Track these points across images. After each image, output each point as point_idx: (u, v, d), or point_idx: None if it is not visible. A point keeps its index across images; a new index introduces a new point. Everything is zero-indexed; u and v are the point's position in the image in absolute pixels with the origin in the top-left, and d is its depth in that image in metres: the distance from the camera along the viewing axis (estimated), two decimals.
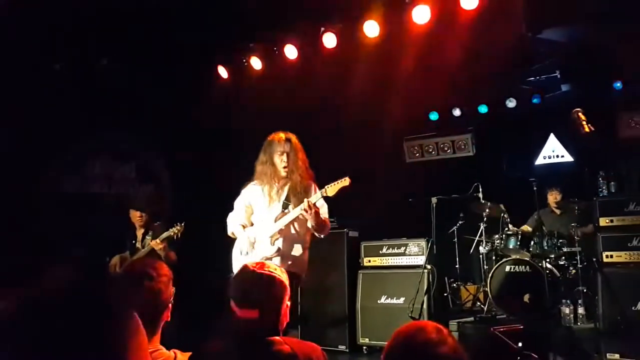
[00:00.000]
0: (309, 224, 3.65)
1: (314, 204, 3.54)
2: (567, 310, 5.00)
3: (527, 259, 5.49)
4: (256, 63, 5.98)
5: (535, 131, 7.16)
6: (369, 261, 6.04)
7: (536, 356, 3.72)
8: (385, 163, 7.35)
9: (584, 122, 3.67)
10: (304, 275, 3.83)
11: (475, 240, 6.10)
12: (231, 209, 3.85)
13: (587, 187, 5.25)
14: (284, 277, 2.03)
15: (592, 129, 3.80)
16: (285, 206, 3.70)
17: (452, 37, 5.30)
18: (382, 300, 5.73)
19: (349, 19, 5.34)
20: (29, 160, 5.45)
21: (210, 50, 5.93)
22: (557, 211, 6.25)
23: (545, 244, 5.57)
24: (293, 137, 3.77)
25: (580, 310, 4.95)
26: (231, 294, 1.98)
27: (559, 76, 6.49)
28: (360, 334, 5.73)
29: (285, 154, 3.70)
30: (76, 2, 4.76)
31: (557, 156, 7.16)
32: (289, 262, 3.69)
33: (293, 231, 3.74)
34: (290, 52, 5.73)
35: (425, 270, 5.52)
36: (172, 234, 4.96)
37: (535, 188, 5.31)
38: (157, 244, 4.93)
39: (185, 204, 6.01)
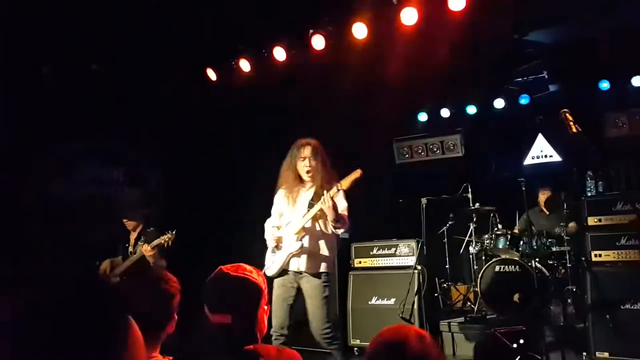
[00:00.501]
0: (329, 219, 3.76)
1: (331, 198, 3.68)
2: (556, 310, 5.04)
3: (517, 258, 5.52)
4: (245, 65, 5.96)
5: (524, 131, 7.20)
6: (360, 262, 6.04)
7: (539, 357, 3.73)
8: (375, 164, 7.36)
9: (571, 123, 3.69)
10: (331, 272, 3.96)
11: (465, 241, 6.13)
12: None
13: (575, 187, 5.29)
14: (260, 280, 1.94)
15: (579, 129, 3.82)
16: (310, 206, 3.86)
17: (440, 38, 5.32)
18: (373, 301, 5.73)
19: (337, 21, 5.34)
20: (16, 164, 5.39)
21: (199, 53, 5.90)
22: (546, 211, 6.29)
23: (534, 243, 5.60)
24: (314, 142, 3.98)
25: (570, 309, 4.98)
26: (204, 299, 1.89)
27: (546, 77, 6.54)
28: (351, 335, 5.73)
29: (307, 159, 3.91)
30: (65, 6, 4.72)
31: (546, 156, 7.21)
32: (315, 259, 3.83)
33: (318, 228, 3.88)
34: (279, 54, 5.72)
35: (416, 271, 5.53)
36: (162, 241, 4.89)
37: (523, 188, 5.34)
38: (147, 251, 4.88)
39: (177, 209, 5.97)
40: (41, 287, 0.97)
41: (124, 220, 5.35)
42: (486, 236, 5.89)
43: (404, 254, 5.79)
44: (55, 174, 5.98)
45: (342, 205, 3.88)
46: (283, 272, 3.89)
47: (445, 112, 7.38)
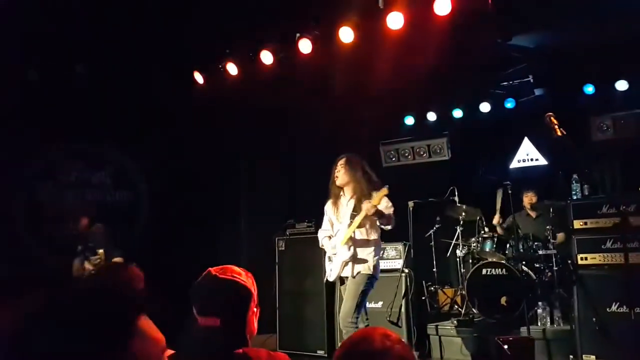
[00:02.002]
0: (377, 222, 4.21)
1: (372, 211, 4.03)
2: (543, 312, 5.05)
3: (503, 262, 5.54)
4: (232, 69, 5.94)
5: (510, 135, 7.25)
6: None
7: None
8: None
9: (556, 126, 3.71)
10: (377, 274, 4.23)
11: (452, 244, 6.14)
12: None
13: (561, 190, 5.32)
14: (250, 282, 1.91)
15: (564, 132, 3.85)
16: (352, 217, 4.21)
17: (426, 42, 5.34)
18: None
19: (324, 25, 5.34)
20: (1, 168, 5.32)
21: (186, 56, 5.87)
22: (533, 214, 6.32)
23: (520, 246, 5.63)
24: (345, 157, 4.37)
25: (557, 312, 5.00)
26: (192, 301, 1.86)
27: (531, 81, 6.58)
28: (338, 338, 5.70)
29: (335, 171, 4.34)
30: (52, 8, 4.66)
31: (532, 160, 7.26)
32: (361, 265, 4.15)
33: (359, 236, 4.22)
34: (266, 57, 5.70)
35: (403, 274, 5.53)
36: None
37: (510, 191, 5.36)
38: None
39: (164, 213, 5.94)
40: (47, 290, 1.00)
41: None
42: (473, 239, 5.91)
43: (391, 257, 5.79)
44: (39, 177, 5.92)
45: (384, 205, 4.19)
46: (341, 279, 4.31)
47: (431, 116, 7.41)
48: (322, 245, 4.51)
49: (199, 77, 6.17)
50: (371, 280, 4.19)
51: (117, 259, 5.02)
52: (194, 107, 6.37)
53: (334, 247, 4.33)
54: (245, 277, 1.90)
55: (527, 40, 5.65)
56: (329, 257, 4.41)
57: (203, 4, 5.03)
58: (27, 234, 5.45)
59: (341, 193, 4.40)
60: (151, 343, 1.02)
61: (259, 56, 5.72)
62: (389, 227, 4.30)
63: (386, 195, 4.17)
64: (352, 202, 4.30)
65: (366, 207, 4.03)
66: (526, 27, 5.26)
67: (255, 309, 1.92)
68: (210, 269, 1.91)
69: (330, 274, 4.37)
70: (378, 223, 4.24)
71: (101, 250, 4.96)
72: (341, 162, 4.35)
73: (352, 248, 4.20)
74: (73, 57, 5.64)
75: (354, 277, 4.15)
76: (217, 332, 1.78)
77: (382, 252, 4.51)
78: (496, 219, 6.15)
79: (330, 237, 4.44)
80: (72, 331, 0.93)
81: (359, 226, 4.20)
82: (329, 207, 4.50)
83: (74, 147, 6.08)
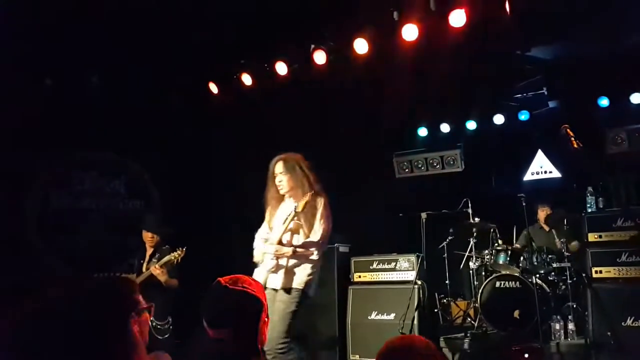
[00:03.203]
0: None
1: (297, 214, 3.68)
2: (557, 326, 5.00)
3: (517, 274, 5.50)
4: (247, 79, 6.00)
5: (523, 147, 7.22)
6: (359, 277, 6.02)
7: None
8: (375, 178, 7.37)
9: (572, 138, 3.71)
10: (309, 291, 3.79)
11: (465, 256, 6.11)
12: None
13: (575, 203, 5.30)
14: (260, 292, 1.89)
15: (581, 144, 3.84)
16: (287, 219, 3.78)
17: (440, 54, 5.36)
18: (373, 316, 5.70)
19: (338, 37, 5.39)
20: (20, 176, 5.39)
21: (201, 67, 5.94)
22: (546, 227, 6.28)
23: (534, 259, 5.58)
24: (285, 157, 3.90)
25: (571, 325, 4.94)
26: (203, 313, 1.83)
27: (545, 93, 6.57)
28: (350, 350, 5.69)
29: (279, 175, 3.87)
30: (68, 18, 4.75)
31: (545, 172, 7.22)
32: (291, 277, 3.73)
33: (295, 243, 3.80)
34: (281, 68, 5.76)
35: (416, 286, 5.51)
36: (172, 258, 4.81)
37: (524, 204, 5.34)
38: (154, 269, 4.77)
39: (184, 225, 5.98)
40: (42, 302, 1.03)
41: (143, 233, 5.22)
42: (486, 252, 5.87)
43: (404, 269, 5.78)
44: (59, 186, 5.99)
45: (312, 235, 3.78)
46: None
47: (445, 128, 7.40)
48: (254, 248, 4.04)
49: (213, 88, 6.24)
50: (302, 298, 3.71)
51: (172, 282, 4.94)
52: (209, 116, 6.44)
53: (264, 253, 3.87)
54: (255, 287, 1.88)
55: (544, 52, 5.65)
56: (258, 265, 3.94)
57: (219, 15, 5.10)
58: (41, 243, 5.51)
59: (280, 197, 3.97)
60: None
61: (273, 67, 5.78)
62: (314, 254, 3.79)
63: (317, 207, 3.75)
64: (288, 208, 3.84)
65: (290, 216, 3.65)
66: (543, 39, 5.26)
67: (266, 319, 1.90)
68: (219, 279, 1.89)
69: None
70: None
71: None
72: (283, 164, 3.89)
73: (282, 258, 3.77)
74: (89, 67, 5.73)
75: (284, 292, 3.70)
76: (229, 343, 1.76)
77: (318, 266, 3.89)
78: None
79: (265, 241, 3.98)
80: (70, 332, 0.97)
81: (294, 232, 3.79)
82: (268, 213, 4.04)
83: (88, 155, 6.16)
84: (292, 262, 3.76)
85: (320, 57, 5.52)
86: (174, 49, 5.47)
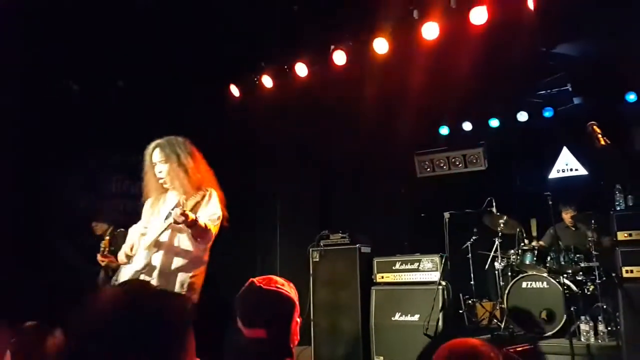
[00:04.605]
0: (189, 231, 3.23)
1: (184, 212, 3.05)
2: (586, 327, 4.88)
3: (544, 274, 5.40)
4: (267, 81, 6.03)
5: (548, 145, 7.09)
6: (382, 277, 5.98)
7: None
8: (396, 178, 7.33)
9: (599, 135, 3.62)
10: (194, 296, 3.25)
11: (491, 256, 6.01)
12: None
13: (603, 201, 5.17)
14: (293, 293, 1.94)
15: (608, 141, 3.75)
16: (168, 216, 3.20)
17: (461, 51, 5.31)
18: (396, 317, 5.65)
19: (358, 37, 5.37)
20: (43, 179, 5.48)
21: (223, 70, 5.97)
22: (573, 227, 6.16)
23: (562, 259, 5.48)
24: (163, 142, 3.37)
25: (601, 327, 4.82)
26: (237, 313, 1.88)
27: (570, 89, 6.45)
28: (374, 352, 5.65)
29: (157, 165, 3.34)
30: (93, 23, 4.82)
31: (571, 169, 7.08)
32: (168, 278, 3.24)
33: (176, 244, 3.29)
34: (301, 70, 5.77)
35: (440, 287, 5.45)
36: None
37: (550, 202, 5.24)
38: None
39: None
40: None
41: (93, 224, 5.33)
42: (512, 251, 5.77)
43: (428, 269, 5.71)
44: (81, 189, 6.08)
45: (211, 212, 3.30)
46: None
47: (467, 126, 7.32)
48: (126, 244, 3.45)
49: (234, 90, 6.27)
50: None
51: None
52: (229, 118, 6.47)
53: (133, 249, 3.32)
54: (288, 288, 1.92)
55: (569, 48, 5.54)
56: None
57: (238, 17, 5.12)
58: (68, 244, 5.60)
59: (162, 187, 3.44)
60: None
61: (293, 68, 5.79)
62: (203, 243, 3.28)
63: (209, 198, 3.26)
64: (171, 199, 3.37)
65: (176, 211, 3.04)
66: (568, 36, 5.16)
67: (298, 319, 1.94)
68: (252, 279, 1.93)
69: (115, 284, 3.35)
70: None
71: None
72: (160, 151, 3.34)
73: (153, 256, 3.26)
74: (113, 72, 5.81)
75: None
76: (263, 343, 1.80)
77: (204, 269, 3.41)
78: (536, 243, 6.01)
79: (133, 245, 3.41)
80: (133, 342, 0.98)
81: (177, 231, 3.28)
82: (147, 206, 3.52)
83: (113, 158, 6.25)
84: (172, 261, 3.26)
85: (340, 58, 5.51)
86: (195, 52, 5.51)
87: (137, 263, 3.26)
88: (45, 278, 4.76)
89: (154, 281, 3.18)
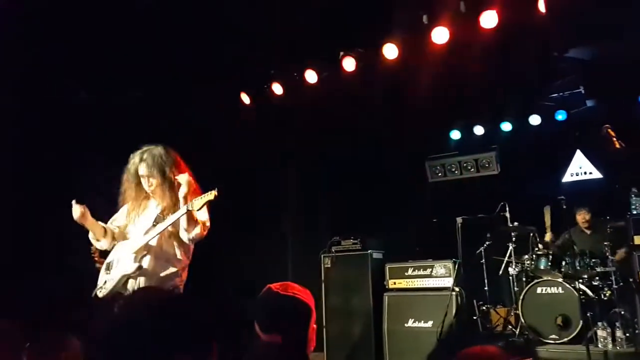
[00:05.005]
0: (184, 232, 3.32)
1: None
2: (603, 333, 4.81)
3: (559, 280, 5.33)
4: (277, 88, 6.04)
5: (561, 148, 7.00)
6: (394, 283, 5.95)
7: None
8: (408, 183, 7.29)
9: (614, 138, 3.57)
10: None
11: (504, 261, 5.94)
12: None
13: (618, 205, 5.10)
14: (310, 299, 1.96)
15: (623, 144, 3.70)
16: (157, 221, 3.36)
17: (472, 55, 5.28)
18: (410, 323, 5.61)
19: (367, 43, 5.37)
20: (56, 186, 5.50)
21: (233, 78, 5.99)
22: (588, 230, 6.07)
23: (577, 264, 5.39)
24: (149, 157, 3.40)
25: (619, 333, 4.75)
26: (255, 318, 1.90)
27: (583, 92, 6.38)
28: (387, 358, 5.61)
29: (146, 179, 3.41)
30: (105, 32, 4.85)
31: (585, 173, 6.99)
32: (157, 283, 3.30)
33: (165, 248, 3.37)
34: (310, 76, 5.78)
35: (454, 293, 5.40)
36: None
37: (564, 206, 5.18)
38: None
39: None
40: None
41: None
42: (526, 257, 5.70)
43: (440, 275, 5.68)
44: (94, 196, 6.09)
45: (203, 218, 3.39)
46: (118, 295, 3.29)
47: (479, 130, 7.25)
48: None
49: (245, 98, 6.29)
50: None
51: None
52: (240, 126, 6.48)
53: (113, 245, 3.44)
54: (304, 294, 1.95)
55: (581, 51, 5.48)
56: (107, 266, 3.44)
57: (248, 24, 5.13)
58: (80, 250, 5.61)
59: (145, 194, 3.51)
60: None
61: (303, 75, 5.80)
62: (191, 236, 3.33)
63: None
64: (161, 205, 3.43)
65: (181, 210, 3.20)
66: (581, 39, 5.10)
67: (314, 326, 1.97)
68: (270, 285, 1.96)
69: (103, 288, 3.36)
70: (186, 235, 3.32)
71: None
72: (146, 166, 3.38)
73: (143, 260, 3.30)
74: (123, 79, 5.83)
75: None
76: (280, 348, 1.82)
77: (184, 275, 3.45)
78: (548, 237, 5.95)
79: (104, 229, 3.50)
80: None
81: (166, 236, 3.36)
82: (124, 212, 3.59)
83: (119, 161, 6.25)
84: (160, 265, 3.33)
85: (349, 64, 5.51)
86: (206, 60, 5.54)
87: (126, 267, 3.31)
88: (52, 280, 4.77)
89: (134, 285, 3.27)
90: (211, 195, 3.19)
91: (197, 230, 3.30)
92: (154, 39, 5.04)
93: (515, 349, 5.00)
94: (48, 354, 2.11)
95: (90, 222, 3.48)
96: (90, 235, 3.55)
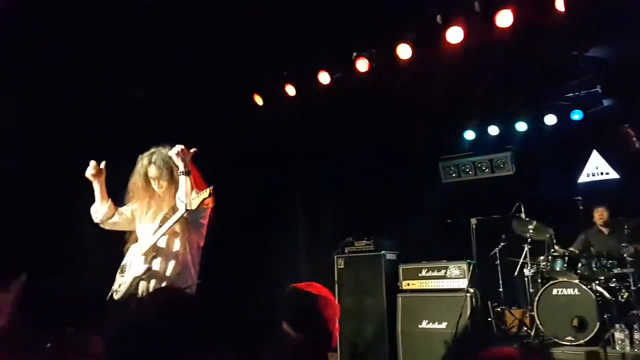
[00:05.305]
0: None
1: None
2: (621, 335, 4.75)
3: (576, 281, 5.27)
4: (290, 90, 6.06)
5: (577, 148, 6.92)
6: (408, 284, 5.93)
7: None
8: (421, 184, 7.26)
9: (634, 138, 3.52)
10: None
11: (520, 263, 5.89)
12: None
13: (636, 205, 5.03)
14: (335, 299, 2.03)
15: None
16: (164, 220, 3.35)
17: (486, 55, 5.25)
18: (424, 324, 5.59)
19: (381, 44, 5.35)
20: (68, 190, 5.54)
21: (246, 79, 6.01)
22: (605, 230, 5.99)
23: (594, 265, 5.33)
24: (159, 159, 3.41)
25: (637, 335, 4.68)
26: (285, 315, 1.95)
27: (599, 91, 6.29)
28: (401, 358, 5.59)
29: (156, 181, 3.41)
30: (115, 34, 4.88)
31: (602, 173, 6.90)
32: (165, 284, 3.30)
33: (174, 249, 3.35)
34: (323, 78, 5.79)
35: (468, 294, 5.37)
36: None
37: (581, 207, 5.12)
38: None
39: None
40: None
41: None
42: (542, 258, 5.64)
43: (455, 276, 5.65)
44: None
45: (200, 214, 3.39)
46: (132, 297, 3.28)
47: (493, 130, 7.19)
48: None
49: (258, 99, 6.32)
50: None
51: None
52: (252, 127, 6.51)
53: (109, 217, 3.44)
54: (329, 294, 2.00)
55: (599, 51, 5.41)
56: (121, 269, 3.45)
57: (261, 26, 5.15)
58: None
59: (153, 193, 3.49)
60: None
61: (316, 77, 5.81)
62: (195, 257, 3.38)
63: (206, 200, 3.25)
64: (168, 204, 3.42)
65: (177, 214, 3.21)
66: (598, 39, 5.03)
67: (337, 325, 2.01)
68: (295, 285, 2.00)
69: (118, 290, 3.36)
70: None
71: None
72: (156, 169, 3.39)
73: (152, 261, 3.30)
74: (134, 82, 5.86)
75: None
76: (306, 345, 1.87)
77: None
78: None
79: (114, 211, 3.49)
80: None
81: (174, 235, 3.34)
82: (131, 208, 3.57)
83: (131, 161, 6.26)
84: (169, 266, 3.31)
85: (362, 65, 5.51)
86: (219, 61, 5.56)
87: (136, 269, 3.30)
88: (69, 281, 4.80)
89: (152, 287, 3.27)
90: (206, 192, 3.15)
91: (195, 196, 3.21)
92: (157, 38, 5.03)
93: (530, 350, 4.94)
94: (72, 347, 2.13)
95: (102, 182, 3.49)
96: (93, 209, 3.52)
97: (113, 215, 3.54)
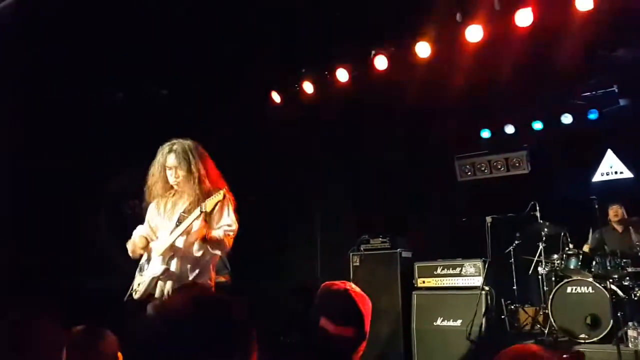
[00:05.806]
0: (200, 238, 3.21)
1: (202, 216, 3.15)
2: (634, 333, 4.77)
3: (589, 279, 5.29)
4: (308, 87, 6.10)
5: (593, 147, 6.92)
6: (423, 282, 5.97)
7: None
8: (437, 182, 7.30)
9: None
10: None
11: (534, 261, 5.92)
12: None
13: None
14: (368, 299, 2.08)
15: None
16: (180, 219, 3.26)
17: (504, 54, 5.26)
18: (438, 322, 5.64)
19: (400, 41, 5.38)
20: (87, 187, 5.60)
21: (264, 77, 6.06)
22: (619, 228, 6.00)
23: (608, 263, 5.35)
24: (180, 146, 3.33)
25: None
26: (325, 312, 1.99)
27: (616, 90, 6.29)
28: (416, 357, 5.65)
29: (173, 170, 3.31)
30: (138, 33, 4.94)
31: (616, 172, 6.90)
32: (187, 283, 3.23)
33: (192, 249, 3.25)
34: (342, 75, 5.82)
35: (483, 292, 5.41)
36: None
37: (596, 206, 5.14)
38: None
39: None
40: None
41: None
42: (556, 256, 5.67)
43: (470, 274, 5.69)
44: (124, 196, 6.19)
45: (227, 222, 3.30)
46: (151, 297, 3.23)
47: (509, 129, 7.20)
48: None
49: (276, 97, 6.37)
50: None
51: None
52: (270, 124, 6.55)
53: (144, 248, 3.31)
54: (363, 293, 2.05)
55: (629, 52, 5.40)
56: (140, 268, 3.38)
57: (279, 24, 5.19)
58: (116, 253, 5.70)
59: (170, 189, 3.41)
60: None
61: (334, 74, 5.84)
62: (217, 252, 3.30)
63: (225, 203, 3.21)
64: (187, 202, 3.32)
65: (195, 213, 3.13)
66: (624, 37, 5.03)
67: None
68: (330, 283, 2.07)
69: (137, 290, 3.30)
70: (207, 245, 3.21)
71: None
72: (175, 156, 3.30)
73: (170, 262, 3.23)
74: (156, 80, 5.92)
75: None
76: (350, 340, 1.94)
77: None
78: (586, 247, 5.89)
79: (146, 239, 3.35)
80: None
81: (188, 235, 3.25)
82: (153, 208, 3.47)
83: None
84: (186, 267, 3.24)
85: (381, 63, 5.54)
86: (236, 60, 5.61)
87: (154, 269, 3.25)
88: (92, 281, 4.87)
89: (168, 288, 3.21)
90: (220, 195, 3.11)
91: (216, 247, 3.21)
92: (164, 38, 5.02)
93: (550, 347, 4.98)
94: (89, 343, 2.18)
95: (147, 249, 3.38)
96: (129, 247, 3.42)
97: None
